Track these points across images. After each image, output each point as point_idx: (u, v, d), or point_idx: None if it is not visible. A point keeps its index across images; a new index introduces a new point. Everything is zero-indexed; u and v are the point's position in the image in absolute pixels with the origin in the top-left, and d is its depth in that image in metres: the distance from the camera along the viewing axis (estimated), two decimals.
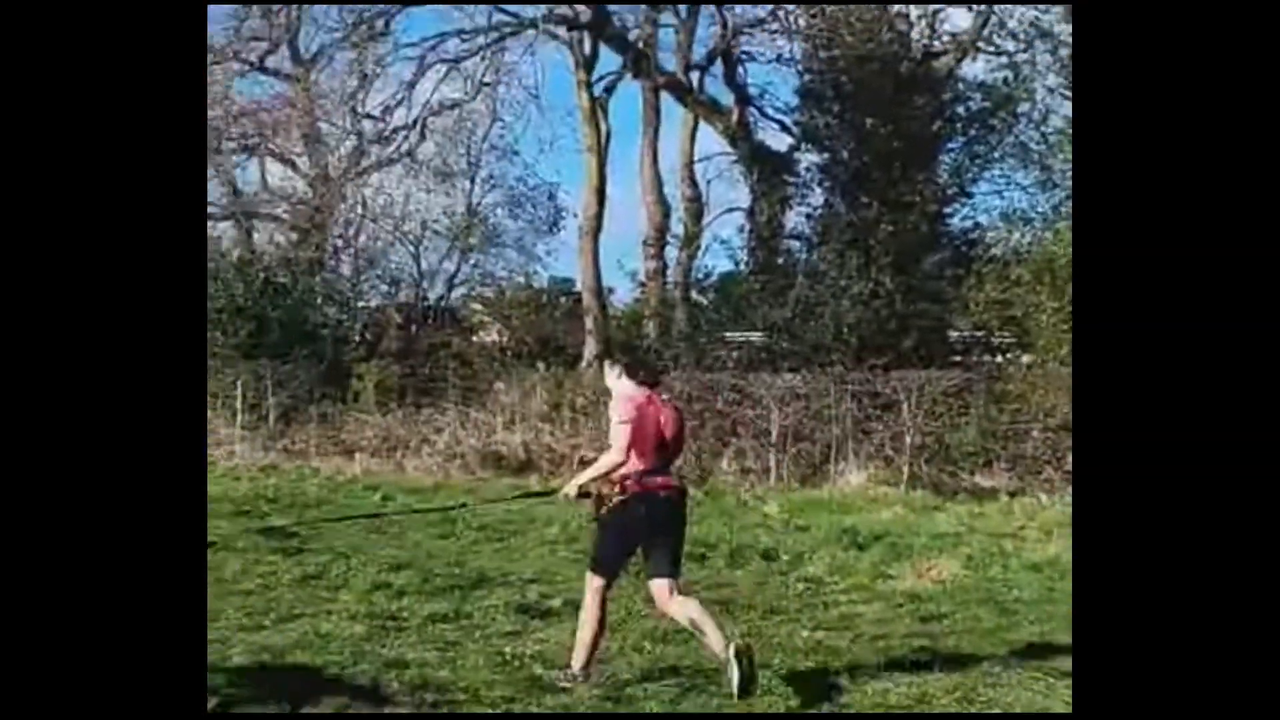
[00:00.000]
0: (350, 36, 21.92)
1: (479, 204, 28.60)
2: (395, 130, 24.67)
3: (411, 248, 27.81)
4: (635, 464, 5.98)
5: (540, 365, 20.89)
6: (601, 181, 23.38)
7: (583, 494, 6.27)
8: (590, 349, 22.28)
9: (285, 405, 20.10)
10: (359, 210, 26.34)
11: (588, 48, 23.07)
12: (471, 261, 28.24)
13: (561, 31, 22.88)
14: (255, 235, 27.32)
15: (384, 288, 27.38)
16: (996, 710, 5.93)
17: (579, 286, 25.74)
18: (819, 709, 5.94)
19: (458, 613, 7.89)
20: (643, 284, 23.63)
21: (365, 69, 23.26)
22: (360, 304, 25.45)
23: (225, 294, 21.98)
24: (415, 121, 24.60)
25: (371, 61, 22.99)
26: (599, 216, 23.34)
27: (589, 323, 22.91)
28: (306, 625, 7.48)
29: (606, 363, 6.76)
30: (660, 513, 6.05)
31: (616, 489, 5.99)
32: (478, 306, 27.95)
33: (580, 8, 21.96)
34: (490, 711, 5.82)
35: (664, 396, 6.39)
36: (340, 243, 26.69)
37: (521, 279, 27.95)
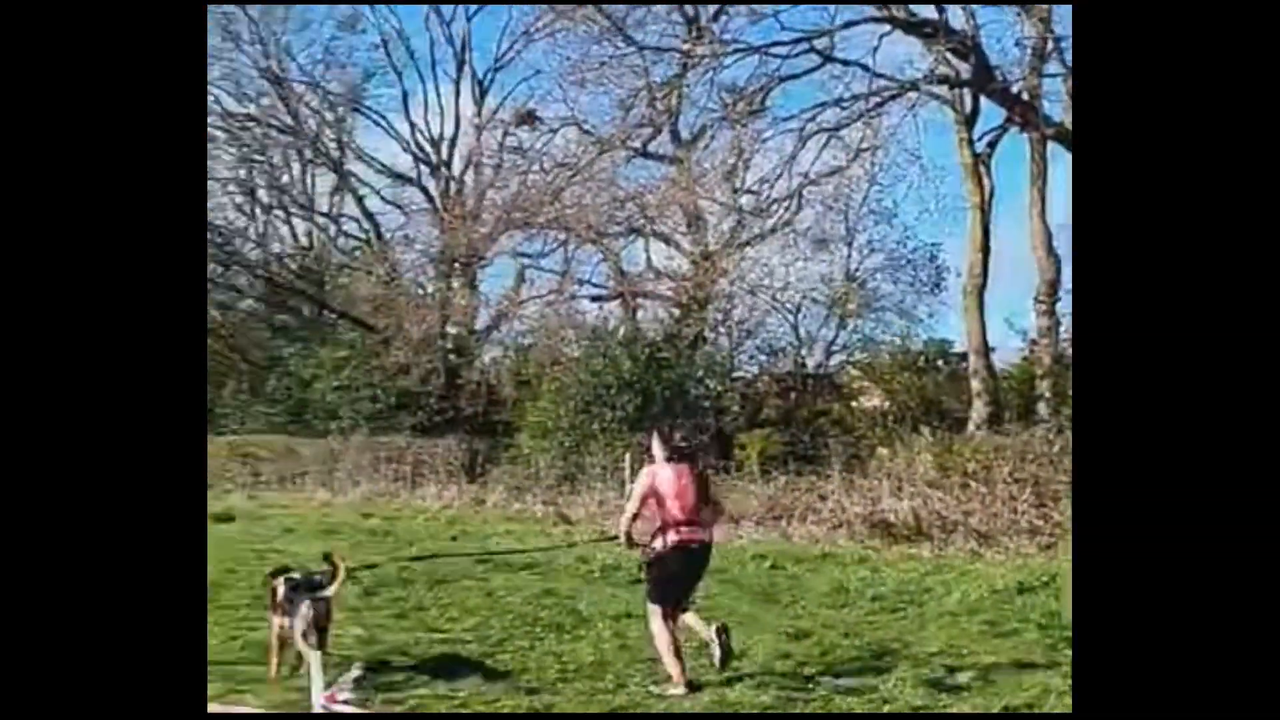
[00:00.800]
0: (729, 115, 22.43)
1: (857, 269, 28.48)
2: (773, 202, 24.97)
3: (790, 317, 28.01)
4: (670, 518, 7.69)
5: (924, 430, 20.30)
6: (986, 239, 22.63)
7: (632, 544, 8.01)
8: (978, 411, 21.45)
9: None
10: (738, 283, 26.82)
11: (969, 104, 22.53)
12: (850, 327, 28.07)
13: (943, 90, 22.45)
14: (640, 313, 28.37)
15: (762, 358, 27.70)
16: None
17: (959, 347, 24.95)
18: None
19: (863, 686, 7.66)
20: (1034, 342, 22.58)
21: (743, 145, 23.71)
22: (737, 375, 25.80)
23: (613, 370, 22.88)
24: (793, 192, 24.80)
25: (750, 137, 23.41)
26: (984, 275, 22.56)
27: (975, 384, 22.09)
28: (715, 694, 7.47)
29: (654, 434, 8.40)
30: (687, 560, 7.78)
31: (654, 543, 7.76)
32: (856, 372, 27.66)
33: (961, 65, 21.47)
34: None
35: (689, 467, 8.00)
36: (719, 316, 27.25)
37: (898, 342, 27.49)
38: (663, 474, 7.83)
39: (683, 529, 7.68)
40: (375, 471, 25.95)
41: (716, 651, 7.74)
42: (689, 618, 7.94)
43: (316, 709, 5.81)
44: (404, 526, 19.63)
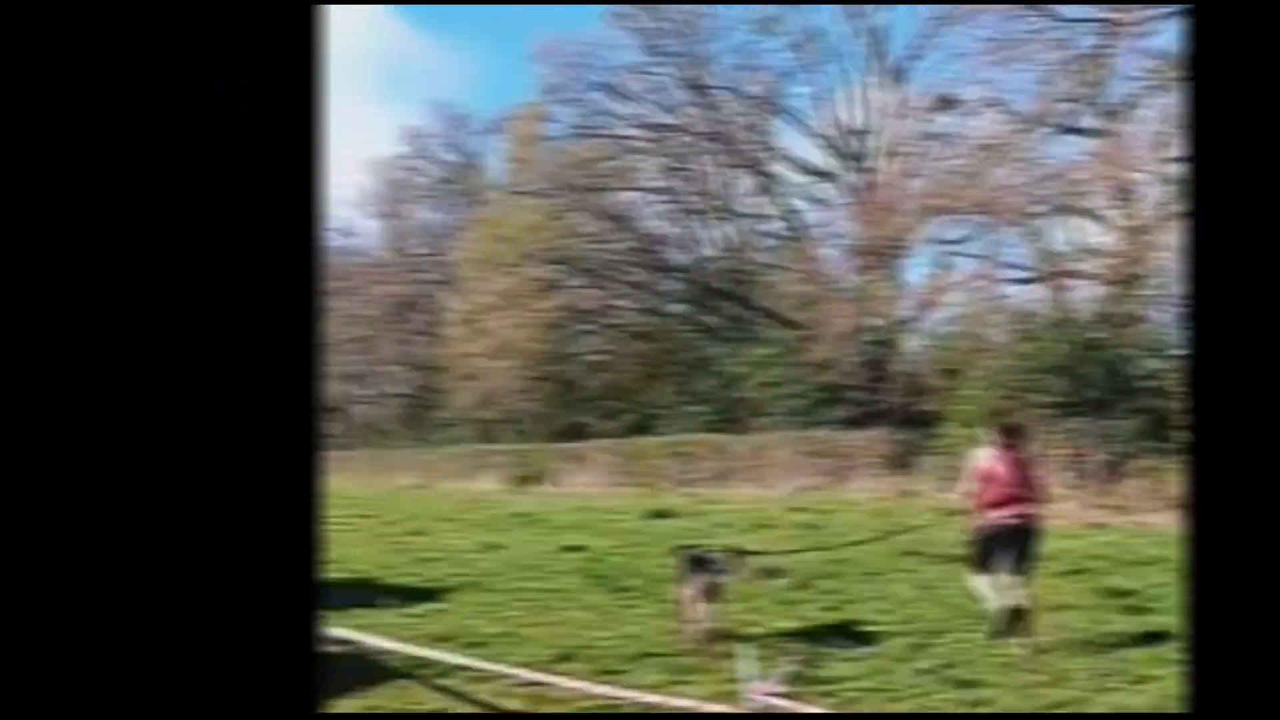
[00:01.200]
0: (1159, 81, 21.12)
1: None
2: None
3: None
4: (985, 498, 8.74)
5: None
6: None
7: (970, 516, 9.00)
8: None
9: (1109, 461, 19.67)
10: (1175, 256, 25.09)
11: None
12: None
13: None
14: (1069, 294, 27.22)
15: None
16: None
17: None
18: None
19: None
20: None
21: (1176, 112, 22.22)
22: (1178, 353, 24.16)
23: (1042, 354, 22.15)
24: None
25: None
26: None
27: None
28: (1158, 687, 7.31)
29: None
30: (999, 535, 8.71)
31: (974, 519, 8.85)
32: None
33: None
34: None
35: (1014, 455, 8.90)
36: (1156, 291, 25.64)
37: None
38: (983, 458, 8.90)
39: (991, 510, 8.71)
40: (803, 466, 26.50)
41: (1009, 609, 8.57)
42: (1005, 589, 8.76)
43: (752, 700, 6.06)
44: (833, 520, 19.94)
